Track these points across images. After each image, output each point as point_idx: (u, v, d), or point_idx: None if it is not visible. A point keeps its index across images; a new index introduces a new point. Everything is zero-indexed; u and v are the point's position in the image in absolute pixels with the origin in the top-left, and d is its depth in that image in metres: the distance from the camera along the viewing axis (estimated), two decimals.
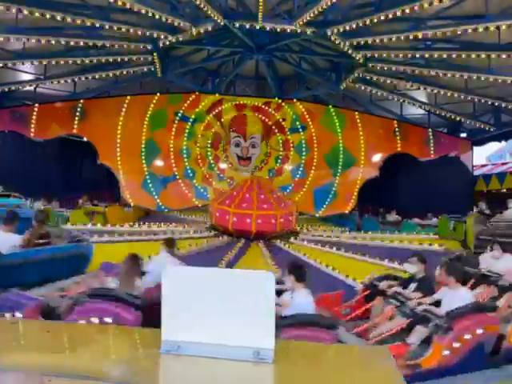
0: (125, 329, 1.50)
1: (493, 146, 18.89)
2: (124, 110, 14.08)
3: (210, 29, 11.04)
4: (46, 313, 3.70)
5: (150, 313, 3.74)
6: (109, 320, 3.51)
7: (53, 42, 11.10)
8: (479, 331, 4.48)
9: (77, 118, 13.83)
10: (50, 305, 3.89)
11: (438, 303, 4.87)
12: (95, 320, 3.44)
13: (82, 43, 11.49)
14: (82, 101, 14.08)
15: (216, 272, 1.30)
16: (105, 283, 4.33)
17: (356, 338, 4.46)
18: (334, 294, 5.90)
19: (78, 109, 13.85)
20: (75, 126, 13.90)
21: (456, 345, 4.32)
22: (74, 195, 13.51)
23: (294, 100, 15.47)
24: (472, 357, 4.39)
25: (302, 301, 3.91)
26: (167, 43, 11.76)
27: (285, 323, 3.36)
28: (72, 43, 11.41)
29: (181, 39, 11.59)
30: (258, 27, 10.93)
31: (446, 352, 4.27)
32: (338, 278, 7.82)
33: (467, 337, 4.40)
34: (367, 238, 11.74)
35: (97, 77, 14.16)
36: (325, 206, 15.26)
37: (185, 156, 14.86)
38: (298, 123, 15.58)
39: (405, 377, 3.47)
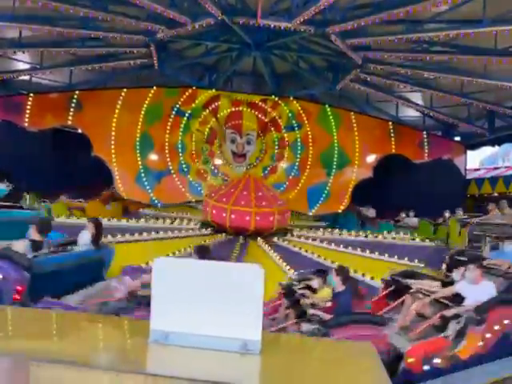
0: (115, 318, 1.52)
1: (486, 151, 19.02)
2: (120, 102, 14.01)
3: (208, 24, 11.00)
4: None
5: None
6: None
7: (49, 32, 11.01)
8: (506, 321, 4.78)
9: (72, 110, 13.73)
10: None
11: (457, 296, 5.08)
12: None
13: (79, 34, 11.42)
14: (77, 92, 13.98)
15: (206, 264, 1.31)
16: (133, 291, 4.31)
17: (399, 335, 4.70)
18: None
19: (74, 100, 13.74)
20: (70, 118, 13.80)
21: (488, 335, 4.63)
22: (66, 187, 13.39)
23: (291, 98, 15.48)
24: (500, 345, 4.71)
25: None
26: (164, 37, 11.71)
27: (336, 323, 3.47)
28: (69, 33, 11.32)
29: (179, 33, 11.54)
30: (256, 24, 10.91)
31: (480, 343, 4.57)
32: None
33: (496, 327, 4.69)
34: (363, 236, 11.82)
35: (93, 68, 14.06)
36: (318, 205, 15.31)
37: (180, 151, 14.83)
38: (293, 121, 15.60)
39: (445, 368, 3.64)
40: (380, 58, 12.13)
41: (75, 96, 13.81)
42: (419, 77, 12.62)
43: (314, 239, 10.87)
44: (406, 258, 9.00)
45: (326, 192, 15.43)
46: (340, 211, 15.21)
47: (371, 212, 14.82)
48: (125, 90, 14.20)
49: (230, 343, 1.23)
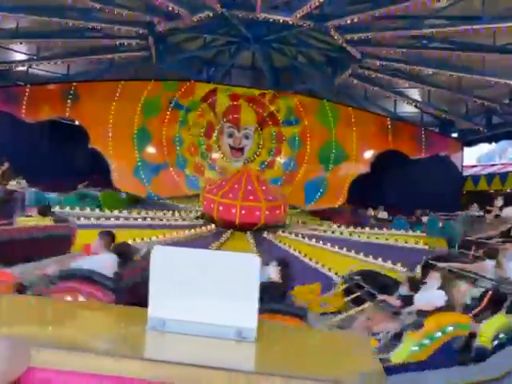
0: (112, 306, 1.54)
1: (484, 148, 19.08)
2: (117, 94, 13.96)
3: (207, 17, 10.96)
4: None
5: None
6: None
7: (47, 23, 10.96)
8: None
9: (69, 101, 13.68)
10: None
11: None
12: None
13: (76, 25, 11.36)
14: (74, 84, 13.92)
15: (203, 253, 1.33)
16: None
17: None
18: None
19: (71, 92, 13.69)
20: (67, 109, 13.75)
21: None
22: (66, 178, 13.36)
23: (289, 93, 15.46)
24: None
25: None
26: (163, 29, 11.66)
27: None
28: (67, 24, 11.26)
29: (177, 26, 11.50)
30: (255, 18, 10.88)
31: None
32: (319, 270, 7.92)
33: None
34: (359, 233, 11.79)
35: (90, 60, 14.01)
36: (315, 199, 15.34)
37: (177, 144, 14.81)
38: (291, 116, 15.60)
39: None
40: (379, 53, 12.12)
41: (73, 88, 13.75)
42: (417, 73, 12.63)
43: (303, 236, 10.79)
44: (379, 259, 8.72)
45: (323, 187, 15.46)
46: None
47: (383, 214, 14.85)
48: (123, 82, 14.14)
49: (225, 331, 1.25)
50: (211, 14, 10.80)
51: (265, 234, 10.76)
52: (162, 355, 1.17)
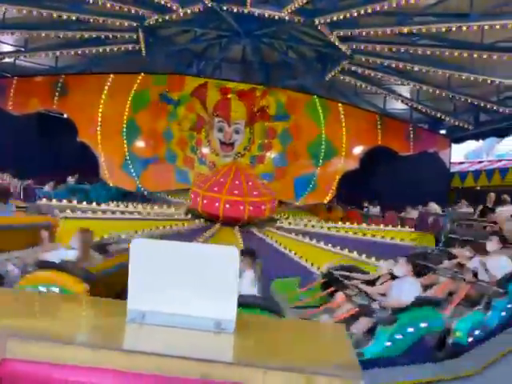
0: (92, 298, 1.54)
1: (472, 145, 19.31)
2: (106, 88, 13.84)
3: (197, 10, 10.88)
4: None
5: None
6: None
7: (35, 14, 10.79)
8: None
9: (57, 94, 13.54)
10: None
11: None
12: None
13: (65, 16, 11.19)
14: (63, 76, 13.76)
15: (182, 246, 1.34)
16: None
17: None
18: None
19: (59, 84, 13.54)
20: (55, 102, 13.60)
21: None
22: (53, 172, 13.22)
23: (280, 88, 15.44)
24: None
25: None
26: (153, 22, 11.56)
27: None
28: (55, 16, 11.10)
29: (167, 19, 11.40)
30: (245, 12, 10.83)
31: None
32: (300, 263, 7.95)
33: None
34: (347, 229, 11.82)
35: (79, 52, 13.83)
36: (304, 195, 15.40)
37: (167, 138, 14.74)
38: (282, 111, 15.59)
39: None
40: (368, 49, 12.15)
41: (61, 80, 13.60)
42: (407, 70, 12.70)
43: (288, 231, 10.77)
44: (363, 254, 8.62)
45: (312, 182, 15.51)
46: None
47: (373, 210, 14.97)
48: (112, 75, 14.01)
49: (204, 322, 1.26)
50: (201, 8, 10.73)
51: (253, 229, 10.77)
52: (140, 346, 1.17)
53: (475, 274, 5.68)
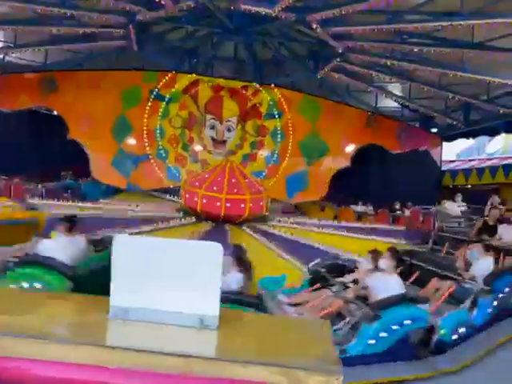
0: (74, 295, 1.53)
1: (464, 143, 19.45)
2: (97, 84, 13.72)
3: (189, 7, 10.83)
4: None
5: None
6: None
7: (24, 10, 10.67)
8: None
9: (47, 90, 13.39)
10: None
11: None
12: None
13: (55, 12, 11.09)
14: (52, 73, 13.62)
15: (165, 242, 1.33)
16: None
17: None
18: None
19: (49, 80, 13.40)
20: (45, 99, 13.47)
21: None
22: (45, 169, 13.11)
23: (272, 85, 15.43)
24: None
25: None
26: (144, 18, 11.48)
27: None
28: (45, 11, 10.99)
29: (159, 15, 11.34)
30: (237, 9, 10.81)
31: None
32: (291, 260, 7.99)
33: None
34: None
35: (69, 49, 13.72)
36: (297, 193, 15.42)
37: (158, 135, 14.66)
38: (274, 109, 15.57)
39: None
40: (360, 47, 12.19)
41: (51, 76, 13.46)
42: (398, 68, 12.76)
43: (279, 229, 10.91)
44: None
45: (305, 180, 15.53)
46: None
47: (363, 208, 15.08)
48: (102, 72, 13.90)
49: (188, 318, 1.26)
50: (192, 4, 10.69)
51: (244, 227, 10.80)
52: (123, 342, 1.17)
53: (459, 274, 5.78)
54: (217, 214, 10.71)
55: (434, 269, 6.35)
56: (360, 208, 15.15)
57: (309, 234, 10.31)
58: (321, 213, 14.90)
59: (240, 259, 4.64)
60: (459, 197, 12.38)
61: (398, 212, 14.17)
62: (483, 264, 5.76)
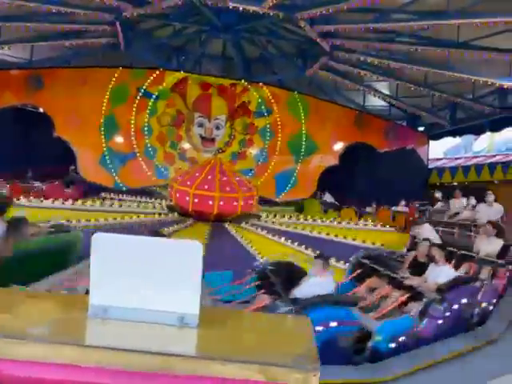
0: (52, 293, 1.52)
1: (450, 142, 19.66)
2: (84, 82, 13.57)
3: (176, 4, 10.77)
4: None
5: None
6: None
7: (9, 5, 10.50)
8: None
9: (33, 88, 13.22)
10: None
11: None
12: None
13: (41, 8, 10.93)
14: (38, 70, 13.45)
15: (145, 240, 1.33)
16: None
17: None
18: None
19: (35, 78, 13.22)
20: (31, 96, 13.29)
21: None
22: (24, 168, 12.96)
23: (260, 84, 15.43)
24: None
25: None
26: (131, 15, 11.38)
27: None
28: (30, 7, 10.83)
29: (146, 12, 11.25)
30: (225, 6, 10.77)
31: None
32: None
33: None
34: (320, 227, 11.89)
35: (56, 45, 13.54)
36: (285, 191, 15.46)
37: (146, 133, 14.57)
38: (263, 107, 15.58)
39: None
40: (348, 46, 12.24)
41: (37, 74, 13.28)
42: (385, 66, 12.84)
43: (262, 228, 10.90)
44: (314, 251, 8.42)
45: (293, 178, 15.58)
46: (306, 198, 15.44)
47: (331, 199, 15.15)
48: (89, 69, 13.75)
49: (168, 317, 1.26)
50: (180, 1, 10.62)
51: (226, 225, 10.80)
52: (101, 341, 1.16)
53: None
54: (209, 212, 10.68)
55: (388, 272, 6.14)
56: (328, 199, 15.28)
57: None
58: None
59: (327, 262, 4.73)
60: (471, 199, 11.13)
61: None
62: (439, 271, 5.50)
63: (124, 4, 10.81)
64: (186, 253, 1.28)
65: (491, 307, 6.04)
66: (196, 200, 10.64)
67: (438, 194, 12.54)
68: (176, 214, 11.37)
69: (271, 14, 10.73)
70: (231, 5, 10.55)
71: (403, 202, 14.21)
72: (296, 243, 9.25)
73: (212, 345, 1.18)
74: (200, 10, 11.70)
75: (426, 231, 7.75)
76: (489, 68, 11.44)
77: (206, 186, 10.76)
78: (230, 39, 13.58)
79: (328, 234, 10.57)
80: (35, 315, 1.31)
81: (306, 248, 8.82)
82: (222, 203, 10.65)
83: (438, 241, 7.17)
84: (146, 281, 1.28)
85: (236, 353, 1.11)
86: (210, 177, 11.05)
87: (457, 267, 6.27)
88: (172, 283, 1.27)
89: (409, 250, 7.27)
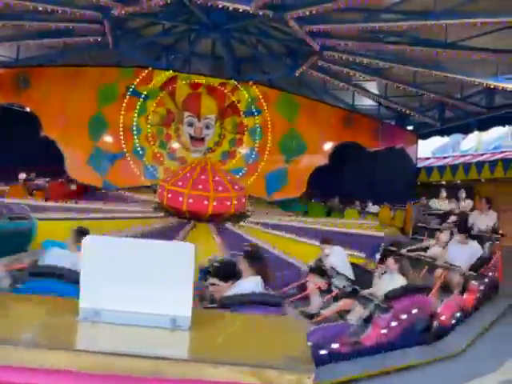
0: (43, 298, 1.49)
1: (438, 141, 19.86)
2: (72, 81, 13.42)
3: (165, 2, 10.68)
4: None
5: None
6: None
7: None
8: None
9: (20, 87, 13.04)
10: None
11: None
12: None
13: (27, 6, 10.77)
14: (25, 68, 13.27)
15: (136, 242, 1.31)
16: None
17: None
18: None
19: (22, 77, 13.04)
20: (17, 95, 13.11)
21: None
22: (11, 168, 12.75)
23: (250, 83, 15.41)
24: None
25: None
26: (120, 14, 11.26)
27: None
28: (16, 5, 10.66)
29: (134, 10, 11.14)
30: (214, 5, 10.73)
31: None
32: (287, 260, 8.01)
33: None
34: (314, 222, 12.05)
35: (42, 44, 13.37)
36: (276, 190, 15.47)
37: (134, 133, 14.45)
38: (253, 106, 15.56)
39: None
40: (337, 45, 12.28)
41: (23, 73, 13.10)
42: (375, 66, 12.91)
43: (262, 225, 10.98)
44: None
45: (284, 178, 15.59)
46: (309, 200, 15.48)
47: (336, 203, 15.23)
48: (77, 68, 13.61)
49: (160, 320, 1.24)
50: (170, 0, 10.55)
51: (227, 225, 10.80)
52: (91, 346, 1.15)
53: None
54: (204, 212, 10.66)
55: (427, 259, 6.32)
56: (334, 204, 15.34)
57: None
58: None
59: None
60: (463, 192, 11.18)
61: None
62: (390, 280, 5.23)
63: (112, 2, 10.69)
64: (178, 254, 1.27)
65: (453, 321, 5.53)
66: (191, 200, 10.59)
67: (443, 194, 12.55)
68: (164, 214, 11.28)
69: (260, 13, 10.72)
70: (220, 4, 10.51)
71: (370, 203, 14.42)
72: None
73: (204, 347, 1.17)
74: (189, 8, 11.63)
75: (337, 255, 6.33)
76: (477, 68, 11.57)
77: (200, 186, 10.72)
78: (220, 38, 13.53)
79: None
80: (24, 319, 1.28)
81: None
82: (215, 203, 10.63)
83: (346, 271, 6.08)
84: (138, 283, 1.26)
85: (228, 355, 1.10)
86: (203, 177, 11.01)
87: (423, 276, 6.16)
88: (164, 285, 1.26)
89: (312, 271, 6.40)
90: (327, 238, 6.65)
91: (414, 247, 8.19)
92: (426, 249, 7.90)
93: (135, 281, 1.28)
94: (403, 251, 6.07)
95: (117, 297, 1.27)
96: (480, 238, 7.47)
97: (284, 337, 1.26)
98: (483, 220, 8.47)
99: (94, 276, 1.28)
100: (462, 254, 6.60)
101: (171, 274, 1.27)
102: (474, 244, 7.00)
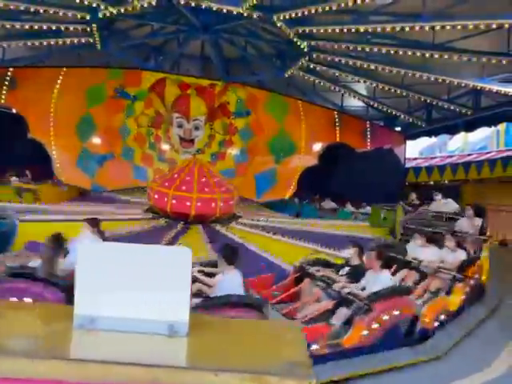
0: (37, 304, 1.46)
1: (426, 142, 20.07)
2: (59, 82, 13.29)
3: (154, 3, 10.62)
4: None
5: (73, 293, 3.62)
6: (29, 300, 3.36)
7: None
8: (396, 313, 4.82)
9: (5, 88, 12.86)
10: None
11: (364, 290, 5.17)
12: (14, 300, 3.28)
13: (14, 6, 10.62)
14: (11, 69, 13.08)
15: (132, 247, 1.29)
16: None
17: (283, 319, 4.63)
18: (264, 276, 6.01)
19: (7, 78, 12.86)
20: (3, 97, 12.92)
21: (375, 325, 4.63)
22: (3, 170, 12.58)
23: (240, 84, 15.40)
24: (389, 336, 4.71)
25: (230, 283, 3.91)
26: (107, 14, 11.16)
27: (214, 303, 3.40)
28: (3, 6, 10.50)
29: (122, 11, 11.05)
30: (203, 6, 10.70)
31: (366, 332, 4.56)
32: (272, 260, 7.98)
33: (385, 318, 4.71)
34: (305, 224, 12.04)
35: (29, 44, 13.17)
36: (265, 191, 15.47)
37: (123, 134, 14.34)
38: (243, 108, 15.57)
39: (326, 355, 3.50)
40: (326, 47, 12.32)
41: (9, 73, 12.92)
42: (363, 68, 12.99)
43: (252, 227, 10.94)
44: (331, 248, 8.83)
45: (273, 179, 15.61)
46: (302, 203, 15.47)
47: (331, 204, 15.25)
48: (64, 69, 13.46)
49: (157, 326, 1.22)
50: (158, 1, 10.49)
51: (217, 227, 10.72)
52: (87, 354, 1.12)
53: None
54: (187, 213, 10.56)
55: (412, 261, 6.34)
56: (327, 205, 15.36)
57: None
58: None
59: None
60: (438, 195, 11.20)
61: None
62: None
63: (100, 2, 10.59)
64: (175, 259, 1.25)
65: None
66: (174, 201, 10.49)
67: (413, 196, 12.59)
68: (152, 215, 11.20)
69: (250, 14, 10.72)
70: (210, 5, 10.48)
71: (365, 205, 14.51)
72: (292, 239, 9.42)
73: (203, 354, 1.15)
74: (178, 9, 11.57)
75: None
76: (463, 69, 11.71)
77: (184, 187, 10.63)
78: (209, 39, 13.49)
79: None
80: (17, 327, 1.25)
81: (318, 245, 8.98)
82: (199, 204, 10.50)
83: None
84: (134, 289, 1.24)
85: (228, 362, 1.08)
86: (188, 178, 10.92)
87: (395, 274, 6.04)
88: (161, 291, 1.24)
89: None
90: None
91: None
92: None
93: (131, 286, 1.26)
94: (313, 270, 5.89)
95: (113, 303, 1.25)
96: (464, 240, 7.53)
97: (283, 342, 1.24)
98: (469, 224, 8.53)
99: (90, 282, 1.25)
100: (424, 254, 6.74)
101: (168, 279, 1.25)
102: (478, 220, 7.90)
